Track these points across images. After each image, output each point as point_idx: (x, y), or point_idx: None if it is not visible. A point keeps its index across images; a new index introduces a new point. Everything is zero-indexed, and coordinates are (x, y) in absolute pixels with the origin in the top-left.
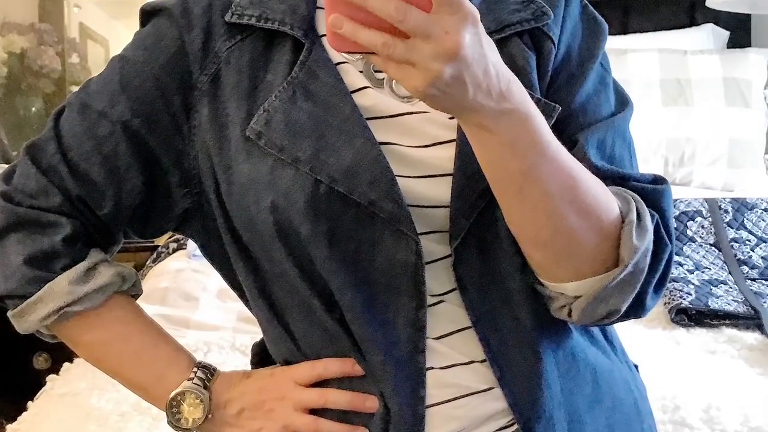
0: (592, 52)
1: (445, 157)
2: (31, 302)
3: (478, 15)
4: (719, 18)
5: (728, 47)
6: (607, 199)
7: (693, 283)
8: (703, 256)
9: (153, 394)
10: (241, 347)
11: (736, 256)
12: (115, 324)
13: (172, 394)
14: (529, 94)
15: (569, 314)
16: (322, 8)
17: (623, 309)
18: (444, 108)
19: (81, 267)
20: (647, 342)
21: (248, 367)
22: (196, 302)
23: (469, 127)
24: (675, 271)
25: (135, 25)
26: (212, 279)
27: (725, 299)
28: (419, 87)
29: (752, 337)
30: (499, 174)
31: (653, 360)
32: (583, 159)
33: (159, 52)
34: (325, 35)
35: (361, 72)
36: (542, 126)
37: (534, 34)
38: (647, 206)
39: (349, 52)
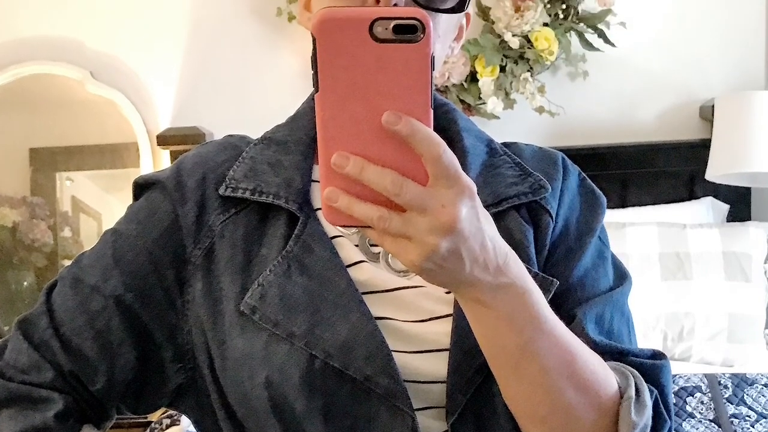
0: (590, 225)
1: (442, 332)
2: None
3: (475, 188)
4: (719, 191)
5: (728, 221)
6: (605, 375)
7: None
8: None
9: None
10: None
11: None
12: None
13: None
14: (527, 268)
15: None
16: (317, 181)
17: None
18: (440, 282)
19: None
20: None
21: None
22: None
23: (466, 302)
24: None
25: (128, 198)
26: None
27: None
28: (415, 261)
29: None
30: (496, 349)
31: None
32: (581, 334)
33: (152, 225)
34: (320, 209)
35: (356, 246)
36: (540, 300)
37: (532, 207)
38: (646, 382)
39: (344, 226)
